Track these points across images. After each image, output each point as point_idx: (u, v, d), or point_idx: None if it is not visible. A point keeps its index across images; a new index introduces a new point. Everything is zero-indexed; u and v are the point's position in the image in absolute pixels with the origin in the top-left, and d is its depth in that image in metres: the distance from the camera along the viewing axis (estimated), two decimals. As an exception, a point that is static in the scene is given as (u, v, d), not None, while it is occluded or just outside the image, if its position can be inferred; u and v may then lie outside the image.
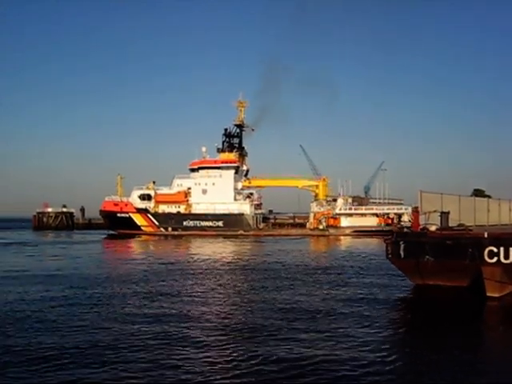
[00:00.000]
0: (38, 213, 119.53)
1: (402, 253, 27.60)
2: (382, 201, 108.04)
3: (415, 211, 28.86)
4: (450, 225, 28.13)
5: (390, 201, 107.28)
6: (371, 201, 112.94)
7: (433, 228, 27.49)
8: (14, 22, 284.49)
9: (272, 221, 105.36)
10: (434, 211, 27.96)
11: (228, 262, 43.33)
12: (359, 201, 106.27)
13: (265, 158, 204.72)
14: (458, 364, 14.75)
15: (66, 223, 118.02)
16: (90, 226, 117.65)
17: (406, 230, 30.02)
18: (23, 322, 19.42)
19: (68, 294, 25.94)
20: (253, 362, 14.40)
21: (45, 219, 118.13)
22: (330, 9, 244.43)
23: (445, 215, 27.95)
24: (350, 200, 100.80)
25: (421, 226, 28.05)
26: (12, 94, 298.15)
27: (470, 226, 27.95)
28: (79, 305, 22.87)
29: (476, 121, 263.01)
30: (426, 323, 20.43)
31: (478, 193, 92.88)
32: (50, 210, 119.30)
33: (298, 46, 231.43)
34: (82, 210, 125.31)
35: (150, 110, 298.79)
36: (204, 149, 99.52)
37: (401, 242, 27.56)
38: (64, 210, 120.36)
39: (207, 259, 45.76)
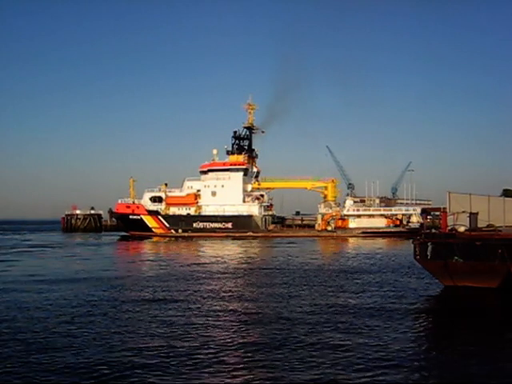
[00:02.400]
0: (67, 215, 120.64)
1: (429, 254, 27.57)
2: (409, 202, 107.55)
3: (443, 212, 28.94)
4: (479, 225, 28.03)
5: (418, 202, 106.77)
6: (398, 201, 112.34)
7: (461, 229, 27.35)
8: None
9: (299, 222, 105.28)
10: (463, 212, 27.93)
11: (247, 264, 43.62)
12: (387, 202, 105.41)
13: (283, 159, 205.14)
14: (488, 364, 14.77)
15: (95, 225, 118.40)
16: (117, 227, 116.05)
17: (434, 230, 30.08)
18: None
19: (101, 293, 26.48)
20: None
21: (73, 221, 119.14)
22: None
23: (473, 216, 27.85)
24: (377, 201, 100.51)
25: (449, 227, 28.04)
26: (33, 98, 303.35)
27: (500, 227, 27.89)
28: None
29: (504, 122, 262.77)
30: (455, 325, 20.22)
31: (507, 193, 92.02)
32: (78, 212, 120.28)
33: (312, 44, 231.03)
34: (110, 211, 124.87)
35: (173, 111, 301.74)
36: (215, 151, 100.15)
37: (429, 243, 27.50)
38: (92, 212, 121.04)
39: (228, 261, 46.13)
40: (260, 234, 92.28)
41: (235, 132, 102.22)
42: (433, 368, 14.53)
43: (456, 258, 26.61)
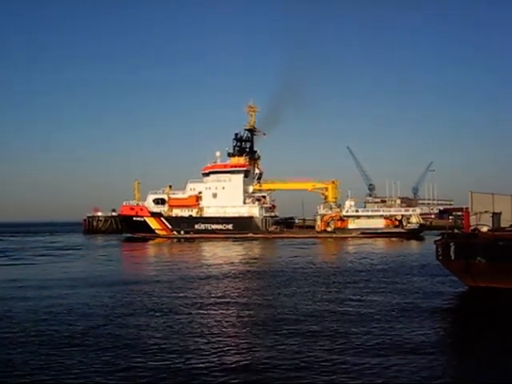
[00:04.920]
0: (88, 217, 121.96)
1: (452, 254, 27.32)
2: (430, 202, 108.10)
3: (466, 212, 29.39)
4: (502, 225, 27.91)
5: (439, 202, 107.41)
6: (420, 202, 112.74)
7: (484, 229, 27.32)
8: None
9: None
10: (485, 212, 28.03)
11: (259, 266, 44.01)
12: (408, 202, 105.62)
13: (293, 160, 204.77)
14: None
15: (116, 227, 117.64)
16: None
17: (456, 231, 30.42)
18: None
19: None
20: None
21: (95, 223, 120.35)
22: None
23: (496, 216, 27.70)
24: (398, 201, 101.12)
25: (472, 227, 27.96)
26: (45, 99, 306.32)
27: (524, 227, 28.30)
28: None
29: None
30: (480, 328, 19.86)
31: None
32: (99, 214, 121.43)
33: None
34: None
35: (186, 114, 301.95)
36: (218, 153, 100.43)
37: (451, 244, 27.31)
38: (113, 214, 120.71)
39: (230, 263, 46.48)
40: (260, 236, 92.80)
41: (236, 134, 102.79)
42: (452, 369, 14.76)
43: (479, 258, 26.63)
